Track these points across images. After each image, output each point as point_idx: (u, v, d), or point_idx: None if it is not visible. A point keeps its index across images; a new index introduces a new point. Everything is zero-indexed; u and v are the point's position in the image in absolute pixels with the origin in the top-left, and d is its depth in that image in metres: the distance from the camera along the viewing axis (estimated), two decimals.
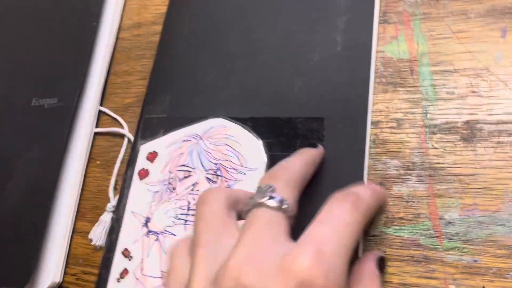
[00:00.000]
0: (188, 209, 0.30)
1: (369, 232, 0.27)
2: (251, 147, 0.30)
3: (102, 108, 0.38)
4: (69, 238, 0.34)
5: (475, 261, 0.24)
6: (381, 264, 0.25)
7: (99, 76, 0.38)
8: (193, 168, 0.31)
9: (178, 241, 0.24)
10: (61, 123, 0.36)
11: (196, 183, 0.31)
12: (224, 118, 0.32)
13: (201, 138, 0.32)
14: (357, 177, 0.27)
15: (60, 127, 0.36)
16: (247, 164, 0.30)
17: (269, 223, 0.21)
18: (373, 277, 0.23)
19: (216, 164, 0.31)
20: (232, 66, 0.33)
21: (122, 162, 0.35)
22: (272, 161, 0.29)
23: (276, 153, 0.30)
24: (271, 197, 0.22)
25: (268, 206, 0.21)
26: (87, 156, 0.37)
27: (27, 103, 0.37)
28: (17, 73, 0.40)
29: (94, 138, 0.37)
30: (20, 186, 0.35)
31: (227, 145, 0.31)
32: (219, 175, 0.30)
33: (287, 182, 0.23)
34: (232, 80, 0.33)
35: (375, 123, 0.29)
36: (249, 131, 0.31)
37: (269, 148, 0.30)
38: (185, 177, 0.31)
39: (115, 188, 0.35)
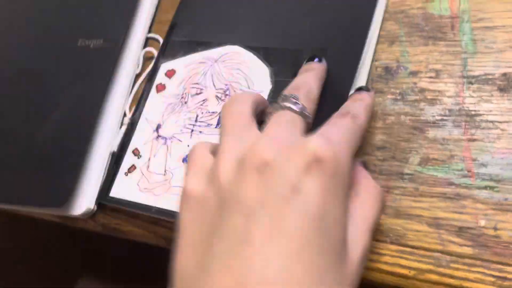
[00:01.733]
0: (196, 120, 0.34)
1: (404, 171, 0.28)
2: (259, 73, 0.33)
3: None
4: (105, 171, 0.35)
5: (506, 199, 0.26)
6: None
7: (145, 20, 0.39)
8: (205, 87, 0.35)
9: (200, 142, 0.26)
10: (106, 63, 0.37)
11: (206, 99, 0.34)
12: (240, 46, 0.35)
13: (216, 61, 0.35)
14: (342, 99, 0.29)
15: (104, 67, 0.37)
16: (254, 87, 0.33)
17: (291, 122, 0.24)
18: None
19: (226, 84, 0.34)
20: (252, 0, 0.36)
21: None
22: (277, 87, 0.32)
23: (281, 79, 0.33)
24: (295, 103, 0.25)
25: (292, 110, 0.25)
26: (128, 97, 0.38)
27: (73, 42, 0.39)
28: (65, 12, 0.41)
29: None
30: (63, 117, 0.36)
31: (239, 69, 0.34)
32: (227, 94, 0.34)
33: (307, 95, 0.27)
34: (250, 12, 0.36)
35: (414, 73, 0.31)
36: (260, 59, 0.34)
37: (276, 75, 0.33)
38: (197, 94, 0.35)
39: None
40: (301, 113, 0.25)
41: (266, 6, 0.36)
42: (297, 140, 0.22)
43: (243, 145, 0.22)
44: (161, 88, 0.36)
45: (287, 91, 0.27)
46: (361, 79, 0.31)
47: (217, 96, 0.34)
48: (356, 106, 0.27)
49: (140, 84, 0.38)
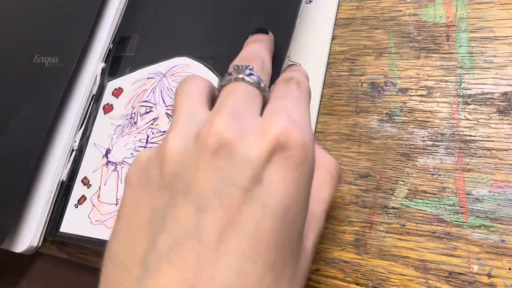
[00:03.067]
0: (147, 142, 0.31)
1: (389, 204, 0.25)
2: None
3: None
4: (52, 204, 0.32)
5: (503, 241, 0.23)
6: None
7: (106, 38, 0.36)
8: (154, 104, 0.32)
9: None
10: (58, 84, 0.34)
11: (156, 118, 0.32)
12: (188, 57, 0.32)
13: (164, 76, 0.33)
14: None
15: (57, 88, 0.34)
16: None
17: (248, 95, 0.21)
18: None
19: None
20: (197, 8, 0.34)
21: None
22: None
23: None
24: (250, 74, 0.21)
25: (247, 82, 0.21)
26: (81, 121, 0.35)
27: (30, 58, 0.36)
28: (25, 27, 0.38)
29: None
30: (8, 144, 0.33)
31: None
32: None
33: (261, 67, 0.23)
34: (196, 21, 0.33)
35: (403, 90, 0.27)
36: (210, 69, 0.32)
37: None
38: (147, 112, 0.32)
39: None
40: (258, 86, 0.21)
41: (213, 14, 0.33)
42: (257, 119, 0.19)
43: (197, 122, 0.19)
44: (108, 108, 0.34)
45: (238, 62, 0.23)
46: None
47: (167, 114, 0.31)
48: (295, 72, 0.23)
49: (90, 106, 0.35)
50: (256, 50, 0.25)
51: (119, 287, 0.17)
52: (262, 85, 0.21)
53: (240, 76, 0.21)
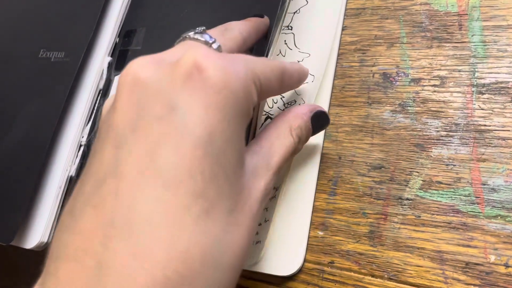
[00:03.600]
0: None
1: (403, 196, 0.25)
2: None
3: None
4: (61, 199, 0.32)
5: None
6: (320, 120, 0.25)
7: (110, 37, 0.36)
8: None
9: None
10: (65, 79, 0.33)
11: None
12: None
13: None
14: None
15: (64, 83, 0.33)
16: None
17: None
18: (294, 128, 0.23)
19: None
20: (204, 0, 0.33)
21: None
22: None
23: None
24: (203, 34, 0.21)
25: (197, 39, 0.21)
26: (88, 116, 0.34)
27: (35, 53, 0.35)
28: (30, 22, 0.38)
29: None
30: (17, 140, 0.33)
31: None
32: None
33: (223, 32, 0.23)
34: (204, 14, 0.33)
35: (416, 81, 0.27)
36: None
37: None
38: None
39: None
40: (205, 43, 0.20)
41: (219, 6, 0.33)
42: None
43: None
44: None
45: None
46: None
47: None
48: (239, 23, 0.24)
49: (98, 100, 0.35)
50: (230, 23, 0.25)
51: (54, 241, 0.17)
52: (213, 46, 0.21)
53: (190, 34, 0.21)
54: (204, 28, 0.22)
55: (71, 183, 0.32)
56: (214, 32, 0.23)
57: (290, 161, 0.28)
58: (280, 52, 0.31)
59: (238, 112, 0.17)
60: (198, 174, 0.16)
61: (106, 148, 0.17)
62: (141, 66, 0.18)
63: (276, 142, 0.22)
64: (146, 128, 0.16)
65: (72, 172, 0.32)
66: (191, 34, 0.21)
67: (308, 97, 0.29)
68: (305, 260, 0.26)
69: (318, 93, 0.29)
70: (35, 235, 0.31)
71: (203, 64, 0.17)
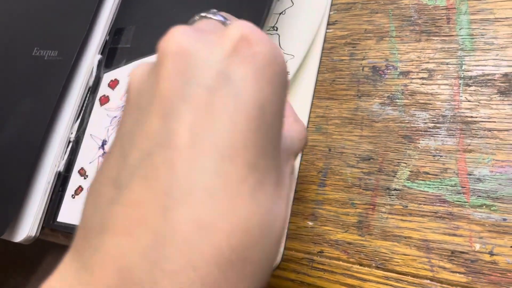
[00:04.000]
0: None
1: (391, 186, 0.26)
2: None
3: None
4: (50, 194, 0.32)
5: (504, 219, 0.23)
6: None
7: (101, 35, 0.36)
8: None
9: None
10: (58, 77, 0.34)
11: None
12: None
13: None
14: None
15: (56, 81, 0.34)
16: None
17: (213, 26, 0.20)
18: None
19: None
20: (192, 0, 0.34)
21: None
22: None
23: None
24: (216, 14, 0.20)
25: (212, 19, 0.20)
26: (77, 113, 0.35)
27: (29, 52, 0.36)
28: (24, 20, 0.38)
29: None
30: (9, 137, 0.33)
31: None
32: None
33: (232, 16, 0.22)
34: (192, 12, 0.32)
35: (404, 73, 0.27)
36: None
37: None
38: None
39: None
40: (224, 23, 0.20)
41: (207, 5, 0.33)
42: (220, 29, 0.18)
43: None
44: (104, 100, 0.34)
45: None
46: None
47: None
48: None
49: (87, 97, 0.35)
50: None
51: (93, 214, 0.16)
52: (228, 23, 0.20)
53: (204, 14, 0.20)
54: (215, 10, 0.21)
55: (59, 178, 0.33)
56: (225, 13, 0.22)
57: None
58: None
59: (284, 87, 0.17)
60: (251, 146, 0.15)
61: (150, 117, 0.16)
62: (184, 34, 0.17)
63: (295, 126, 0.22)
64: (197, 98, 0.16)
65: (61, 168, 0.33)
66: (204, 14, 0.21)
67: (296, 104, 0.29)
68: (283, 255, 0.26)
69: (302, 86, 0.29)
70: (23, 229, 0.31)
71: (251, 37, 0.17)
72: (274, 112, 0.17)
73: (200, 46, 0.17)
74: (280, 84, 0.17)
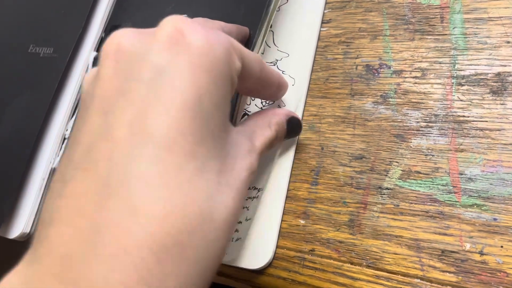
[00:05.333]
0: None
1: (383, 185, 0.26)
2: None
3: None
4: (44, 191, 0.32)
5: (495, 219, 0.23)
6: (294, 125, 0.26)
7: (96, 32, 0.36)
8: None
9: None
10: (53, 74, 0.34)
11: None
12: None
13: None
14: None
15: (52, 78, 0.33)
16: None
17: None
18: (272, 127, 0.23)
19: None
20: None
21: None
22: None
23: None
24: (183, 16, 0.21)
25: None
26: (72, 110, 0.35)
27: (24, 48, 0.36)
28: (20, 17, 0.38)
29: None
30: (5, 133, 0.33)
31: None
32: None
33: (203, 22, 0.24)
34: (188, 10, 0.32)
35: (397, 72, 0.27)
36: None
37: None
38: None
39: None
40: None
41: (204, 2, 0.33)
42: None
43: None
44: None
45: None
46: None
47: None
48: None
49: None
50: (213, 20, 0.25)
51: (45, 210, 0.17)
52: None
53: (169, 19, 0.21)
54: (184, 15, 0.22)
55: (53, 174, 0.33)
56: (195, 19, 0.23)
57: (270, 167, 0.28)
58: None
59: (224, 76, 0.18)
60: (189, 135, 0.16)
61: (93, 115, 0.17)
62: (124, 35, 0.18)
63: (258, 130, 0.22)
64: (134, 92, 0.16)
65: (55, 164, 0.33)
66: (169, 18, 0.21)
67: (289, 102, 0.29)
68: (275, 254, 0.26)
69: (296, 85, 0.29)
70: (18, 225, 0.31)
71: (185, 29, 0.17)
72: (214, 101, 0.17)
73: (138, 44, 0.18)
74: (220, 73, 0.17)
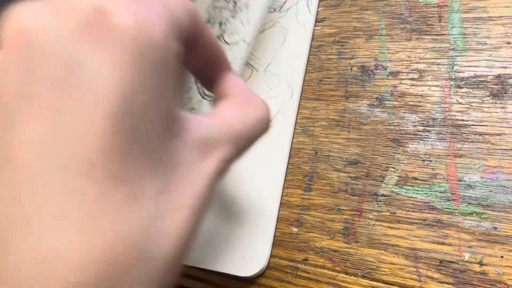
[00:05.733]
0: None
1: (379, 192, 0.25)
2: None
3: None
4: None
5: (495, 228, 0.22)
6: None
7: None
8: None
9: None
10: None
11: None
12: None
13: None
14: None
15: None
16: None
17: None
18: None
19: None
20: None
21: None
22: None
23: None
24: None
25: None
26: None
27: None
28: None
29: None
30: None
31: None
32: None
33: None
34: None
35: (394, 74, 0.26)
36: None
37: None
38: None
39: None
40: None
41: None
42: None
43: None
44: None
45: None
46: None
47: None
48: None
49: None
50: None
51: None
52: None
53: None
54: None
55: None
56: None
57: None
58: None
59: (160, 66, 0.14)
60: (114, 154, 0.12)
61: None
62: (30, 13, 0.13)
63: (228, 118, 0.18)
64: (42, 97, 0.12)
65: None
66: None
67: (281, 104, 0.28)
68: (269, 262, 0.26)
69: (290, 87, 0.28)
70: None
71: (108, 6, 0.13)
72: (148, 103, 0.13)
73: (48, 28, 0.13)
74: (154, 64, 0.13)
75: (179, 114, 0.15)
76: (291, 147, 0.27)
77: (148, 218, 0.13)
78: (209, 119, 0.17)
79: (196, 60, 0.19)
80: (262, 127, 0.18)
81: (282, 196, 0.27)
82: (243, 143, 0.17)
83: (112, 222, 0.12)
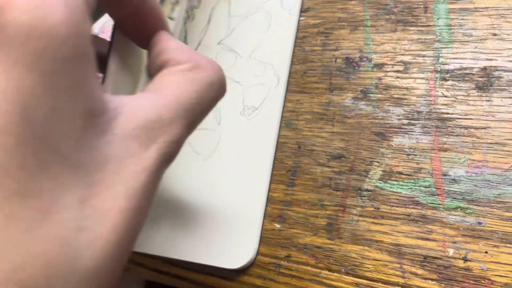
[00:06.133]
0: None
1: (363, 187, 0.24)
2: None
3: None
4: None
5: (479, 223, 0.22)
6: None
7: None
8: None
9: None
10: None
11: None
12: None
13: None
14: None
15: None
16: None
17: None
18: None
19: None
20: None
21: None
22: None
23: None
24: None
25: None
26: None
27: None
28: None
29: None
30: None
31: None
32: None
33: None
34: None
35: (379, 66, 0.26)
36: None
37: None
38: None
39: None
40: None
41: None
42: None
43: None
44: None
45: None
46: None
47: None
48: None
49: None
50: None
51: None
52: None
53: None
54: None
55: None
56: None
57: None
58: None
59: (68, 59, 0.12)
60: (17, 169, 0.11)
61: None
62: None
63: (176, 90, 0.16)
64: None
65: None
66: None
67: (268, 97, 0.27)
68: (257, 254, 0.25)
69: (275, 81, 0.28)
70: None
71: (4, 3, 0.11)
72: (55, 105, 0.12)
73: None
74: (61, 57, 0.12)
75: (106, 104, 0.14)
76: (278, 136, 0.26)
77: (70, 230, 0.12)
78: (152, 96, 0.15)
79: (122, 8, 0.16)
80: (217, 92, 0.17)
81: (270, 184, 0.26)
82: (196, 115, 0.16)
83: (24, 243, 0.11)
